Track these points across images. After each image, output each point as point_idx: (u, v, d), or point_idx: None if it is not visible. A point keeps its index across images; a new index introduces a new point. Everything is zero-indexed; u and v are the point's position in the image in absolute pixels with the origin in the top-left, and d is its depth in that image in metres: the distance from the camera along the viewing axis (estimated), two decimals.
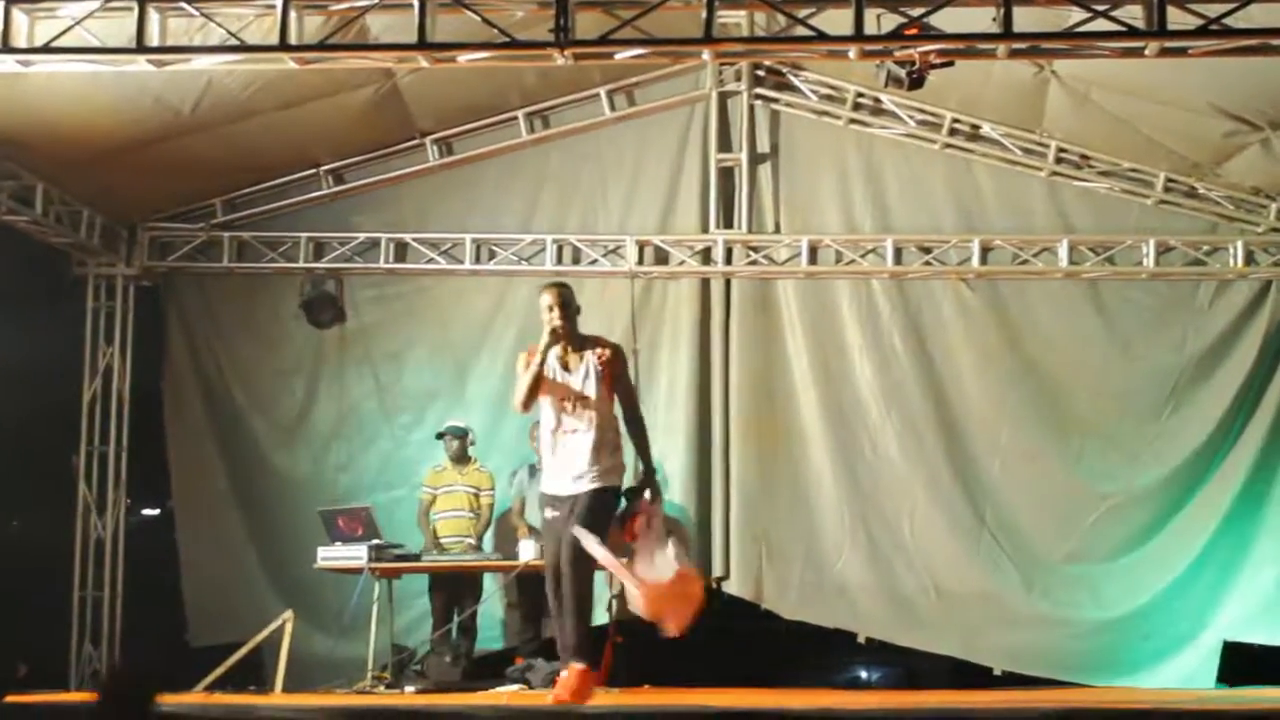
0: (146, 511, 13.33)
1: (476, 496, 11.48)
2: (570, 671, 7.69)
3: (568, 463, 7.69)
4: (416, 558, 11.03)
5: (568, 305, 7.70)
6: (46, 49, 8.26)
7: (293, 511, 11.81)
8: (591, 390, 7.65)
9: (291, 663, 10.45)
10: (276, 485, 12.15)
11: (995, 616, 11.66)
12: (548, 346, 7.63)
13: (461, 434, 11.51)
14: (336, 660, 11.05)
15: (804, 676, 12.54)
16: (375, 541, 10.75)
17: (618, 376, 7.76)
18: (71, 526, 11.93)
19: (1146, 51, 8.06)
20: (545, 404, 7.72)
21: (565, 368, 7.70)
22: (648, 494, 7.73)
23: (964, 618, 11.67)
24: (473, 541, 11.37)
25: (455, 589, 11.36)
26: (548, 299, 7.70)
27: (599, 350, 7.74)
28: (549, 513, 7.76)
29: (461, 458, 11.52)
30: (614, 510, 7.67)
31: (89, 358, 12.15)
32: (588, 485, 7.63)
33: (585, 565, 7.58)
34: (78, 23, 8.18)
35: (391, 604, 10.96)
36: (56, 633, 11.65)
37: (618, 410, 7.78)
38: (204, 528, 12.08)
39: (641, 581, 7.47)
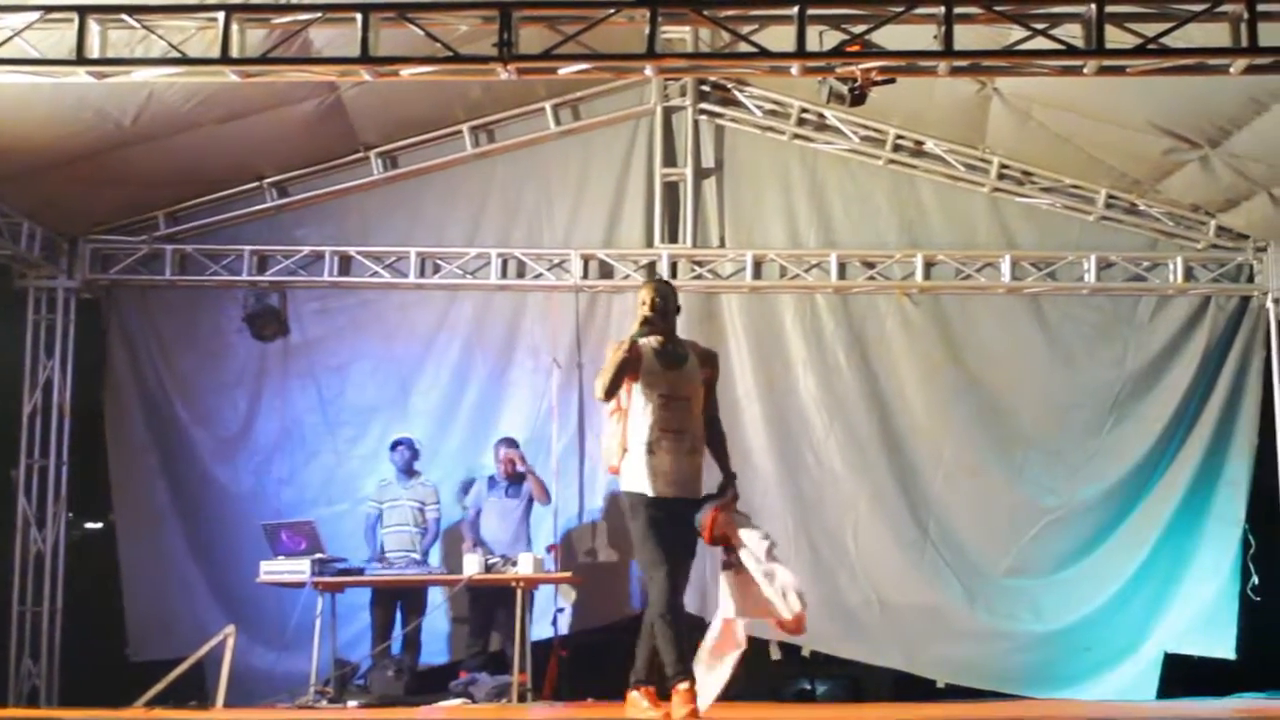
0: (87, 525, 13.21)
1: (422, 511, 11.47)
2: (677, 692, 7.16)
3: (667, 464, 7.25)
4: (360, 572, 11.04)
5: (665, 300, 7.38)
6: None
7: (235, 525, 11.75)
8: (692, 390, 7.36)
9: (233, 678, 10.40)
10: (219, 499, 12.07)
11: (938, 629, 11.71)
12: (637, 336, 7.28)
13: (412, 446, 11.56)
14: (279, 675, 11.02)
15: (749, 690, 12.54)
16: (318, 555, 10.77)
17: (711, 383, 7.49)
18: (10, 541, 11.81)
19: (1085, 70, 8.15)
20: (640, 399, 7.27)
21: (667, 366, 7.34)
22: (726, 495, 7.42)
23: (907, 630, 11.71)
24: (417, 556, 11.35)
25: (399, 603, 11.34)
26: (644, 294, 7.40)
27: (700, 353, 7.51)
28: (651, 512, 7.23)
29: (408, 469, 11.53)
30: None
31: (29, 371, 12.03)
32: (688, 492, 7.31)
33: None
34: (17, 34, 8.11)
35: (335, 618, 10.97)
36: None
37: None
38: (145, 541, 11.98)
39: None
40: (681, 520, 7.25)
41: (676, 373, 7.32)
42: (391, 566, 11.18)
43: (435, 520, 11.54)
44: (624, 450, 7.32)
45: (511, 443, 11.52)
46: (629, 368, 7.24)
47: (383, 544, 11.43)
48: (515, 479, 11.45)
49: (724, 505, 7.34)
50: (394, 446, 11.58)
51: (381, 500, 11.52)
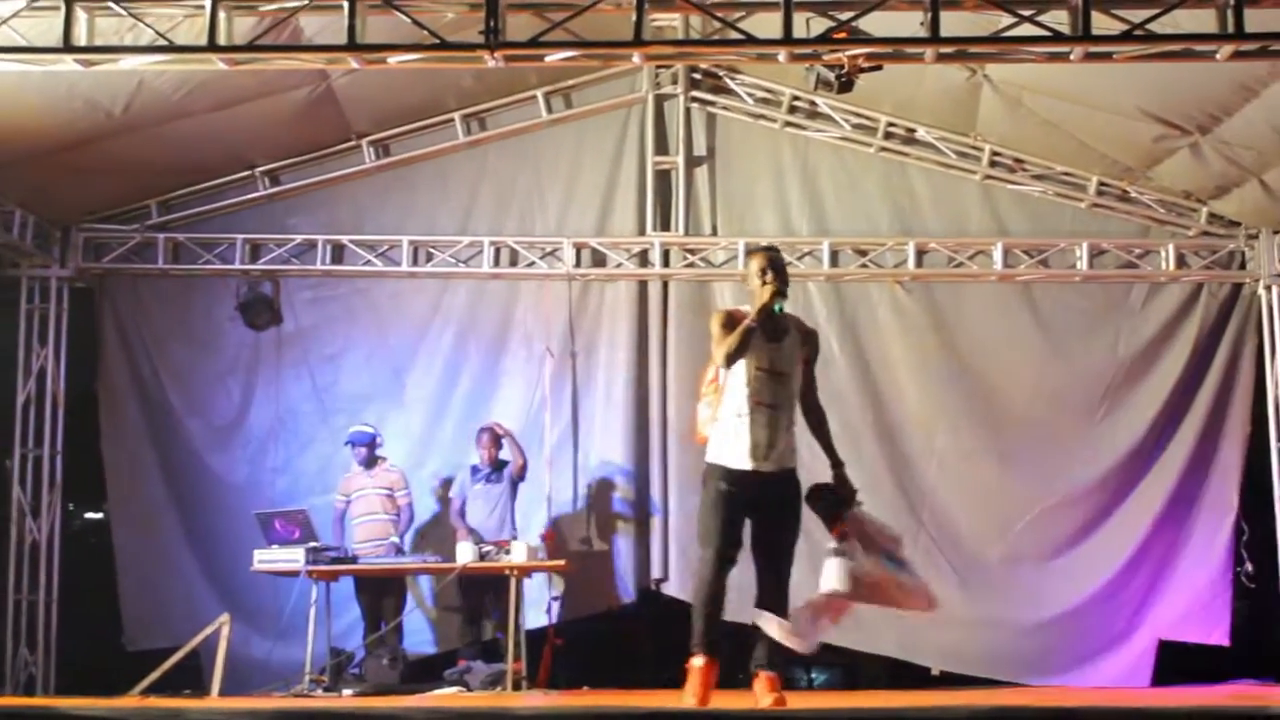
0: (82, 514, 13.26)
1: (391, 497, 11.48)
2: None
3: (759, 436, 7.03)
4: (354, 560, 11.05)
5: (781, 270, 7.09)
6: None
7: (229, 514, 11.79)
8: (791, 366, 7.14)
9: (229, 666, 10.43)
10: (213, 488, 12.12)
11: (932, 617, 11.64)
12: (766, 307, 7.00)
13: (367, 440, 11.51)
14: (274, 663, 11.05)
15: (743, 679, 12.57)
16: (312, 544, 10.81)
17: (810, 360, 7.28)
18: (6, 530, 11.87)
19: (1072, 56, 8.18)
20: (738, 370, 7.06)
21: (769, 338, 7.10)
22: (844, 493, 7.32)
23: (902, 618, 11.56)
24: (396, 542, 11.39)
25: (381, 592, 11.39)
26: (757, 264, 7.10)
27: (802, 329, 7.31)
28: (724, 486, 7.07)
29: (369, 461, 11.52)
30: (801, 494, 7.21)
31: (23, 360, 12.10)
32: (774, 466, 7.07)
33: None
34: (4, 22, 8.15)
35: (329, 607, 10.99)
36: None
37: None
38: (140, 530, 12.04)
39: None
40: (767, 492, 7.06)
41: (776, 346, 7.11)
42: (362, 558, 11.12)
43: (408, 505, 11.54)
44: (714, 421, 7.18)
45: (494, 435, 11.53)
46: (749, 339, 7.01)
47: (354, 534, 11.44)
48: (497, 466, 11.48)
49: (854, 517, 7.28)
50: (349, 444, 11.55)
51: (348, 492, 11.52)
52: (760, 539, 7.18)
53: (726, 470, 7.06)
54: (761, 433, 7.01)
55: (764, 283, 7.00)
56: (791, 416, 7.16)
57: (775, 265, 7.07)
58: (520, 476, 11.53)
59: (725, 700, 7.45)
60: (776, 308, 7.02)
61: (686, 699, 7.01)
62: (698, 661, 7.08)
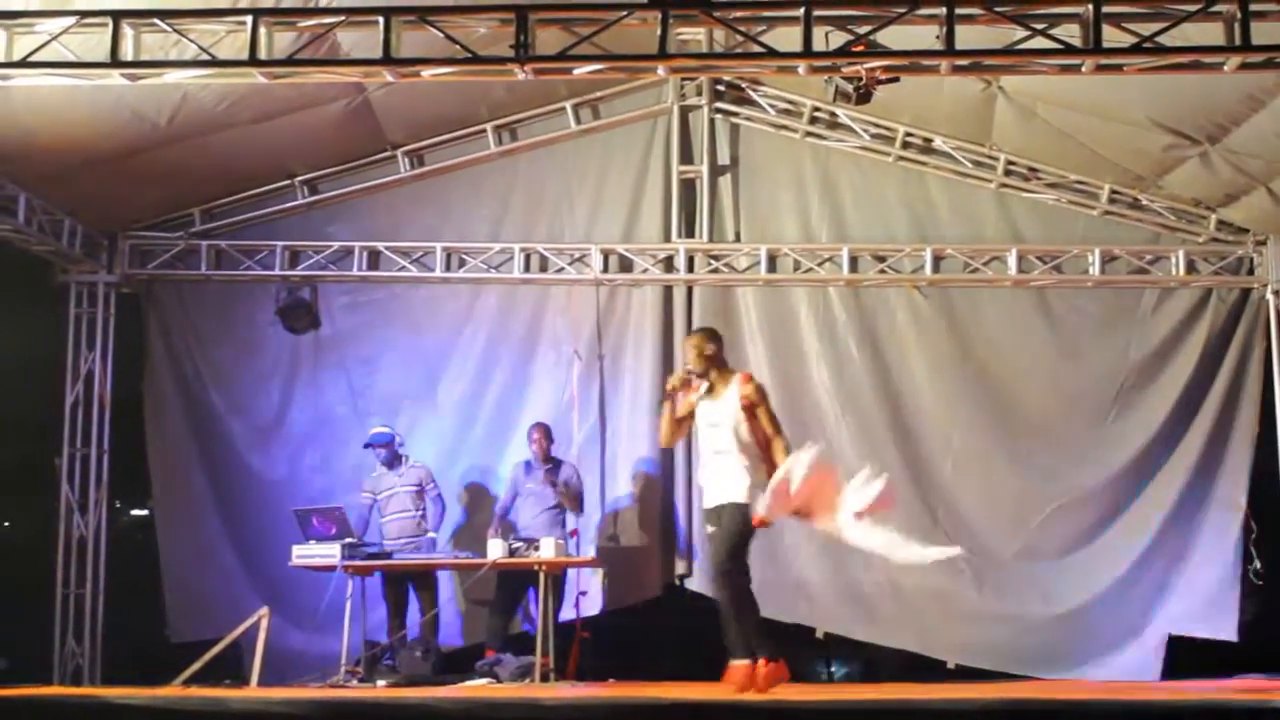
0: (128, 511, 13.47)
1: (420, 492, 11.63)
2: (731, 668, 8.32)
3: (711, 481, 8.56)
4: (389, 555, 11.23)
5: (700, 351, 8.58)
6: (25, 63, 8.45)
7: (269, 511, 11.97)
8: (731, 416, 8.43)
9: (267, 658, 10.66)
10: (253, 486, 12.32)
11: (949, 612, 11.90)
12: (673, 390, 8.69)
13: (387, 440, 11.67)
14: (311, 655, 11.26)
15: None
16: (348, 540, 11.01)
17: (755, 405, 8.47)
18: (54, 526, 12.10)
19: (1084, 69, 8.35)
20: (700, 428, 8.70)
21: (712, 394, 8.54)
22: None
23: (919, 614, 11.90)
24: (433, 536, 11.54)
25: (414, 586, 11.55)
26: (687, 349, 8.73)
27: (740, 382, 8.55)
28: (708, 528, 8.65)
29: (392, 461, 11.70)
30: (748, 523, 8.34)
31: (71, 363, 12.32)
32: (726, 499, 8.42)
33: (736, 575, 8.34)
34: (54, 38, 8.39)
35: (364, 601, 11.15)
36: (40, 629, 11.84)
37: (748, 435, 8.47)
38: (183, 527, 12.24)
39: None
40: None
41: (719, 402, 8.52)
42: (395, 555, 11.31)
43: (437, 497, 11.66)
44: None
45: (544, 428, 11.67)
46: (671, 420, 8.80)
47: (383, 532, 11.60)
48: (550, 462, 11.58)
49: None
50: (369, 445, 11.71)
51: (376, 491, 11.67)
52: None
53: (705, 511, 8.76)
54: (715, 478, 8.53)
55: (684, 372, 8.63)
56: (745, 458, 8.44)
57: (696, 352, 8.59)
58: (575, 508, 11.66)
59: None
60: (693, 397, 8.60)
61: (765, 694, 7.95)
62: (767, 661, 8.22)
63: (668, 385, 8.74)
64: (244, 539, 12.21)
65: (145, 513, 12.94)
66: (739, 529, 8.32)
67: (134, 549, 12.62)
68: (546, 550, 10.78)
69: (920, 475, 12.05)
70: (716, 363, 8.63)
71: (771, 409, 8.55)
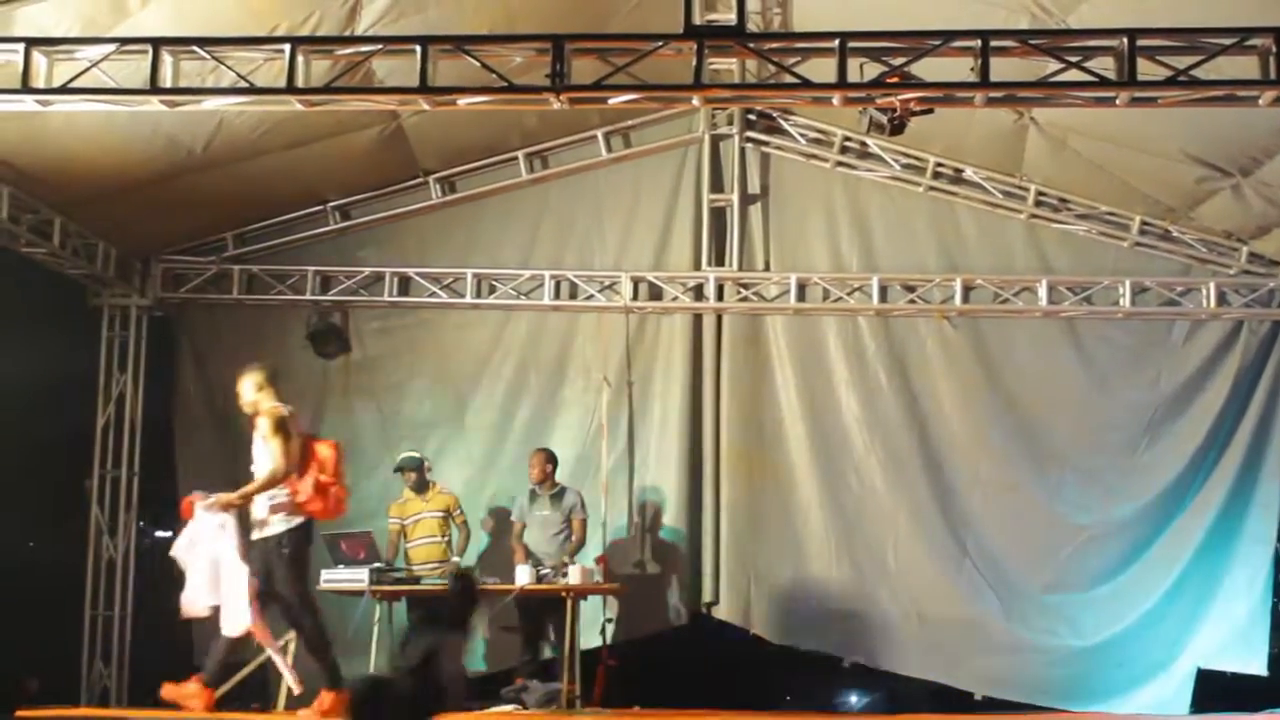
0: (157, 534, 13.50)
1: (447, 519, 11.64)
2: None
3: None
4: (416, 581, 11.24)
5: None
6: (65, 89, 8.47)
7: None
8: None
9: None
10: None
11: (976, 643, 11.89)
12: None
13: (417, 465, 11.68)
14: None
15: (791, 700, 12.73)
16: (376, 565, 11.02)
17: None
18: (84, 548, 12.17)
19: (1117, 101, 8.32)
20: None
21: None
22: None
23: (946, 644, 11.89)
24: (458, 561, 11.52)
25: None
26: None
27: None
28: None
29: (421, 486, 11.70)
30: None
31: (103, 385, 12.40)
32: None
33: None
34: (94, 65, 8.42)
35: (391, 625, 11.16)
36: (68, 649, 11.89)
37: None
38: None
39: None
40: None
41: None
42: (421, 580, 11.29)
43: (464, 523, 11.68)
44: None
45: (545, 453, 11.68)
46: None
47: (409, 557, 11.60)
48: (553, 489, 11.59)
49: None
50: (398, 470, 11.74)
51: (404, 517, 11.68)
52: None
53: None
54: None
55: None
56: None
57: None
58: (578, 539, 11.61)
59: None
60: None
61: None
62: None
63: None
64: None
65: (172, 534, 12.91)
66: None
67: (162, 571, 12.51)
68: (573, 577, 10.76)
69: (949, 505, 12.07)
70: None
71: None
